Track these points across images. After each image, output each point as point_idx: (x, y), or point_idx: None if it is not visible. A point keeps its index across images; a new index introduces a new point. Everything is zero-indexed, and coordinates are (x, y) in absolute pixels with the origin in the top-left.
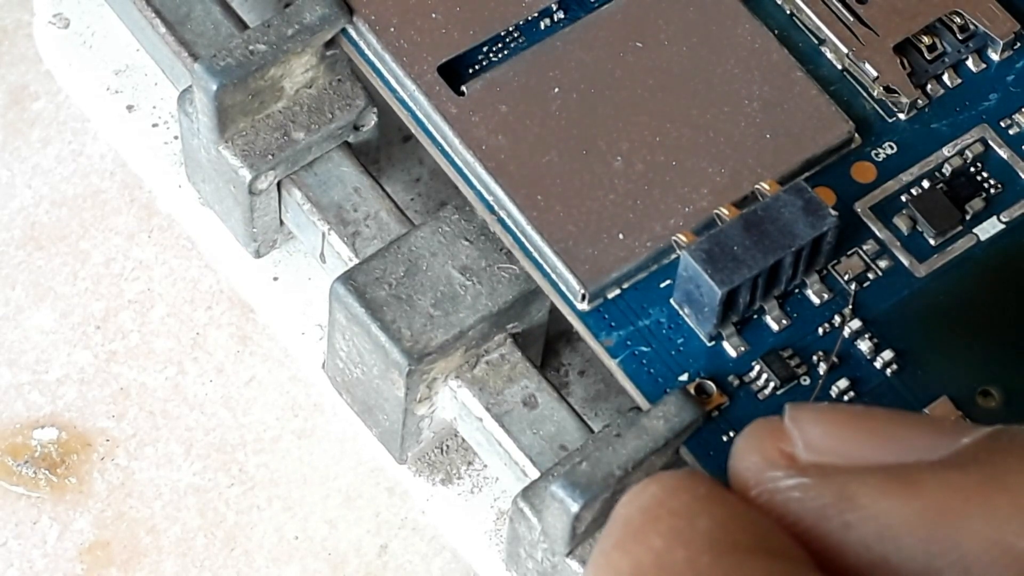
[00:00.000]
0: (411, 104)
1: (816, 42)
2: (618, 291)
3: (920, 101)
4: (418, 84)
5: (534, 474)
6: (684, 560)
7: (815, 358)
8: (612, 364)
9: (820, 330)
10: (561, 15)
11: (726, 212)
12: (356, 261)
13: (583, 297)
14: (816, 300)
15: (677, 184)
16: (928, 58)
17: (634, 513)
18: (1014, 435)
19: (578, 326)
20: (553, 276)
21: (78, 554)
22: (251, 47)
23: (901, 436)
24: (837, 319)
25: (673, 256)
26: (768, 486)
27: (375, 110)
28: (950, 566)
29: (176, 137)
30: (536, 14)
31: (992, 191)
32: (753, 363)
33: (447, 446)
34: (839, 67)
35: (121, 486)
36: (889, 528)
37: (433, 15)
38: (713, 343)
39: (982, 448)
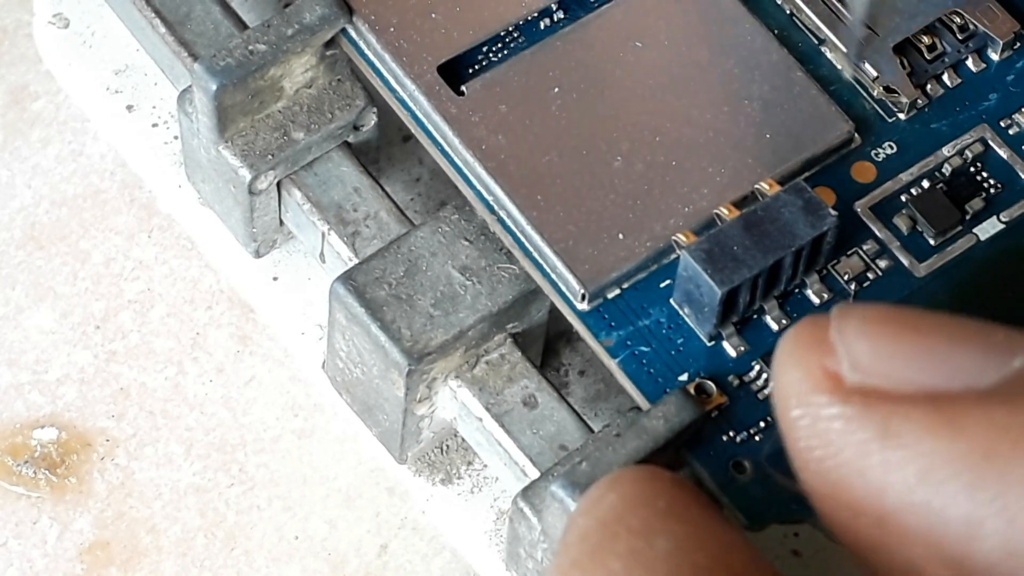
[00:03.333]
0: (411, 104)
1: (816, 42)
2: (618, 291)
3: (920, 101)
4: (418, 84)
5: (534, 474)
6: None
7: None
8: (612, 364)
9: None
10: (561, 15)
11: (726, 212)
12: (356, 261)
13: (583, 297)
14: (816, 300)
15: (677, 184)
16: (928, 58)
17: (592, 527)
18: None
19: (578, 326)
20: (553, 276)
21: (78, 554)
22: (251, 47)
23: (951, 356)
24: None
25: (673, 256)
26: (809, 411)
27: (375, 110)
28: (994, 516)
29: (176, 137)
30: (536, 14)
31: (992, 191)
32: (753, 363)
33: (447, 446)
34: (839, 67)
35: (121, 486)
36: (932, 470)
37: (433, 15)
38: (713, 343)
39: None
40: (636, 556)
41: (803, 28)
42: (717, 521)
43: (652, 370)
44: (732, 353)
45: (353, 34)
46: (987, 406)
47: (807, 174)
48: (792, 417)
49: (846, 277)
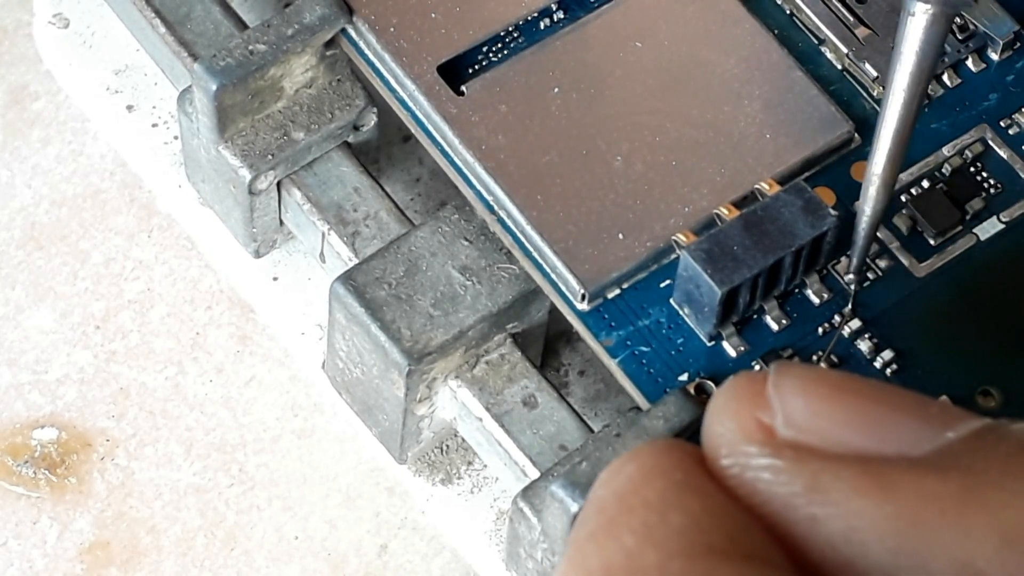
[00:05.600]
0: (411, 104)
1: (816, 42)
2: (618, 291)
3: None
4: (418, 84)
5: (534, 474)
6: (655, 564)
7: (815, 358)
8: (612, 364)
9: (820, 330)
10: (561, 15)
11: (726, 212)
12: (356, 261)
13: (583, 297)
14: (816, 300)
15: (677, 184)
16: None
17: (609, 500)
18: (1001, 435)
19: (578, 326)
20: (553, 276)
21: (78, 554)
22: (251, 47)
23: (886, 422)
24: (837, 319)
25: (673, 256)
26: (739, 460)
27: (375, 110)
28: None
29: (176, 137)
30: (536, 14)
31: (992, 191)
32: (753, 363)
33: (447, 446)
34: (839, 67)
35: (121, 486)
36: (857, 531)
37: (433, 15)
38: (713, 343)
39: (966, 449)
40: (650, 533)
41: (803, 28)
42: (733, 500)
43: (652, 370)
44: (732, 353)
45: (353, 34)
46: (918, 474)
47: (807, 174)
48: (721, 466)
49: (846, 277)
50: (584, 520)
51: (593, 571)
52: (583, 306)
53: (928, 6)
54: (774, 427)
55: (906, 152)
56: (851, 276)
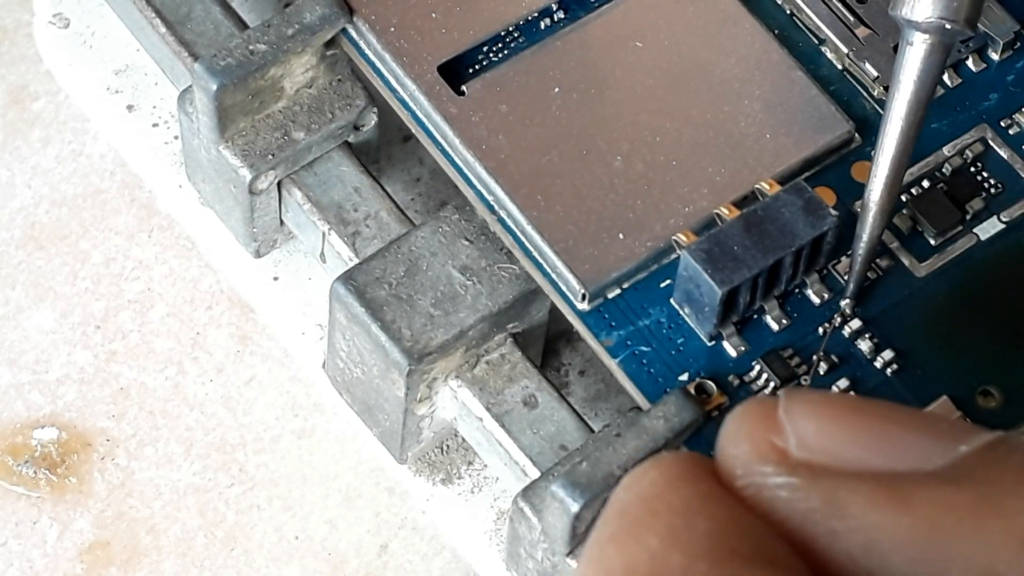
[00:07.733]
0: (411, 104)
1: (816, 42)
2: (618, 291)
3: None
4: (418, 84)
5: (534, 474)
6: (679, 566)
7: (815, 358)
8: (612, 364)
9: (820, 330)
10: (561, 15)
11: (726, 212)
12: (356, 261)
13: (583, 297)
14: (816, 300)
15: (677, 184)
16: None
17: (633, 502)
18: (1013, 447)
19: (578, 326)
20: (553, 276)
21: (78, 554)
22: (251, 47)
23: (898, 440)
24: (837, 319)
25: (673, 256)
26: (756, 480)
27: (375, 110)
28: None
29: (176, 137)
30: (536, 14)
31: (992, 191)
32: (753, 363)
33: (447, 446)
34: (839, 67)
35: (121, 486)
36: (876, 542)
37: (433, 15)
38: (713, 343)
39: (979, 461)
40: (675, 536)
41: (803, 28)
42: (756, 514)
43: (652, 370)
44: (732, 353)
45: (353, 34)
46: (934, 486)
47: (807, 174)
48: (737, 486)
49: (846, 277)
50: (605, 522)
51: (615, 571)
52: (583, 306)
53: (926, 36)
54: (787, 449)
55: (903, 178)
56: (848, 301)
